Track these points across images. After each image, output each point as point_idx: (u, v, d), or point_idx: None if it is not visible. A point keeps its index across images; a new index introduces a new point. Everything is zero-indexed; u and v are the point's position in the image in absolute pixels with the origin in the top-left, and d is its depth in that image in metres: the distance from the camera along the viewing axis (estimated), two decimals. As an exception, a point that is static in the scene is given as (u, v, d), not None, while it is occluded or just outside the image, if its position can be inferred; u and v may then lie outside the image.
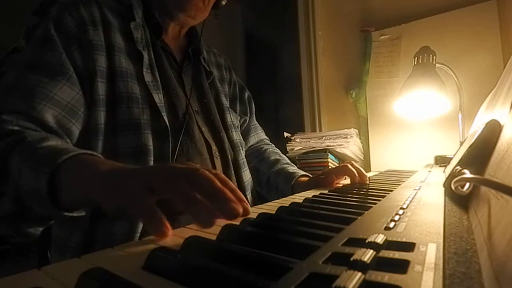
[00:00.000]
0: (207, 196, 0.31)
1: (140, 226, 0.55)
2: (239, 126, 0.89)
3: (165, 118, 0.61)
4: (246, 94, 0.96)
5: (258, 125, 0.99)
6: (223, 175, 0.36)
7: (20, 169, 0.39)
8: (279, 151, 0.96)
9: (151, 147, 0.58)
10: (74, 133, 0.55)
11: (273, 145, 0.99)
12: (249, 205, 0.33)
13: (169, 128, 0.61)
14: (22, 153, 0.40)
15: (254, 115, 0.98)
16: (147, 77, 0.62)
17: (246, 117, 0.94)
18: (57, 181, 0.38)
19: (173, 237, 0.30)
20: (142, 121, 0.58)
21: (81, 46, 0.57)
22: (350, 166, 0.69)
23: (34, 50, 0.54)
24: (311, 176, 0.78)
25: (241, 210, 0.31)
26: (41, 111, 0.50)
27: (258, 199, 0.83)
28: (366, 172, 0.71)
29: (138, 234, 0.54)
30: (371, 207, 0.35)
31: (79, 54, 0.56)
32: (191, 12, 0.69)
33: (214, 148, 0.72)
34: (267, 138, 1.01)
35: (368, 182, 0.68)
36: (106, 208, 0.36)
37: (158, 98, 0.62)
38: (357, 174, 0.68)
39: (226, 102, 0.82)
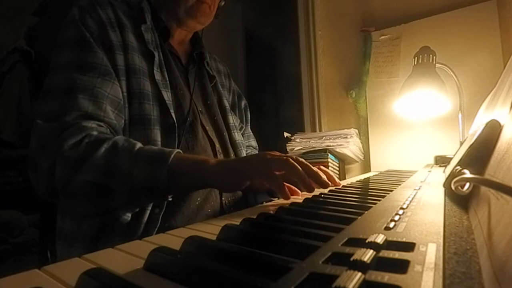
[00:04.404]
0: (308, 173, 0.47)
1: (144, 219, 0.56)
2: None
3: (173, 114, 0.63)
4: (243, 103, 0.98)
5: (251, 133, 1.00)
6: (304, 160, 0.49)
7: (132, 168, 0.48)
8: None
9: (159, 142, 0.61)
10: (121, 129, 0.59)
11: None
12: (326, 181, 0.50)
13: (176, 124, 0.63)
14: (126, 156, 0.49)
15: (249, 124, 1.00)
16: (157, 76, 0.65)
17: (242, 125, 0.96)
18: (171, 173, 0.48)
19: (173, 237, 0.30)
20: (152, 117, 0.61)
21: (104, 47, 0.60)
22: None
23: (75, 52, 0.57)
24: None
25: (329, 182, 0.50)
26: (106, 111, 0.55)
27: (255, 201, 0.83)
28: (366, 172, 0.70)
29: (143, 225, 0.56)
30: (371, 207, 0.35)
31: (104, 54, 0.59)
32: (201, 19, 0.72)
33: (217, 145, 0.74)
34: (257, 147, 1.01)
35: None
36: (224, 187, 0.53)
37: (167, 95, 0.65)
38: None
39: (228, 105, 0.85)
